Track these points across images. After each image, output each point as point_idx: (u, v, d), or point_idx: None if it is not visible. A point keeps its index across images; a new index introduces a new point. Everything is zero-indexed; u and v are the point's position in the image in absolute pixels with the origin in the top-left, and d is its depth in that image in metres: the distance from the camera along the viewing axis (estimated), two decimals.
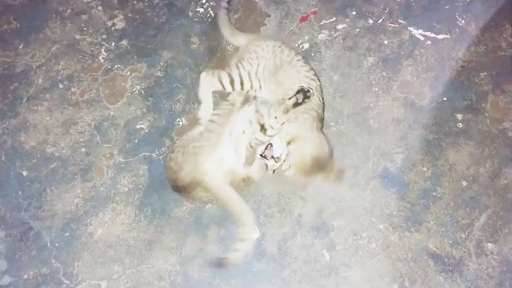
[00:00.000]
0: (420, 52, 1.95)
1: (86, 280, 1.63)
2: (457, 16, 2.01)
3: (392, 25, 1.99)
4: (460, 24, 1.99)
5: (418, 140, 1.80)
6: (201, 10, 2.10)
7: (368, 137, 1.79)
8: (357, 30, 1.97)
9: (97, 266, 1.64)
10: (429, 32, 1.98)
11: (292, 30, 2.01)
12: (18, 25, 2.01)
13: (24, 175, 1.78)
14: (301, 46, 1.99)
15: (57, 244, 1.68)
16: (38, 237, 1.68)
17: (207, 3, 2.11)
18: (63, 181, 1.76)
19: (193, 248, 1.65)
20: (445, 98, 1.86)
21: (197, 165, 1.52)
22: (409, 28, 1.99)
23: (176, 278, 1.62)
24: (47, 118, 1.89)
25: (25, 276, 1.63)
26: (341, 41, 1.95)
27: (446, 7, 2.03)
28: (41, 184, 1.77)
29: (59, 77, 1.94)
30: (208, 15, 2.08)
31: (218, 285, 1.60)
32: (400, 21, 1.99)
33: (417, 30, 1.99)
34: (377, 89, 1.89)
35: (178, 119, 1.86)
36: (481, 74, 1.90)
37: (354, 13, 2.00)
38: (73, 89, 1.94)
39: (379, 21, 1.99)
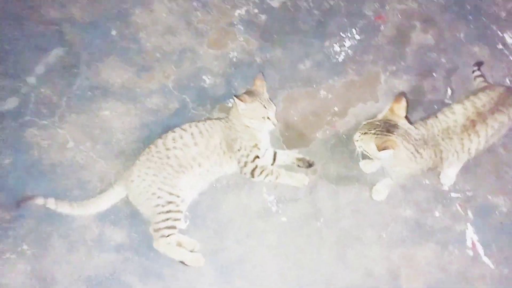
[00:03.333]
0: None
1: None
2: None
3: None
4: None
5: None
6: (337, 49, 2.34)
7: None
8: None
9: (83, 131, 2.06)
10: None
11: None
12: None
13: (113, 34, 2.28)
14: None
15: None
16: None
17: (346, 48, 2.34)
18: (130, 62, 2.22)
19: None
20: None
21: None
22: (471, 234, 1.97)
23: None
24: (163, 14, 2.36)
25: None
26: None
27: None
28: (111, 50, 2.23)
29: None
30: (337, 57, 2.31)
31: None
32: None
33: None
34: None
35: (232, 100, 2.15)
36: None
37: None
38: (197, 13, 2.37)
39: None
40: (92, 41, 2.29)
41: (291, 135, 2.14)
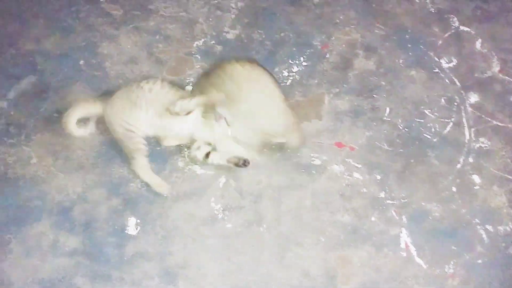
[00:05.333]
0: None
1: None
2: None
3: None
4: None
5: None
6: (286, 74, 2.62)
7: None
8: None
9: None
10: None
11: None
12: None
13: (81, 63, 2.54)
14: None
15: None
16: None
17: (294, 73, 2.60)
18: (95, 88, 2.47)
19: None
20: None
21: None
22: None
23: None
24: (128, 46, 2.65)
25: None
26: None
27: None
28: (78, 77, 2.49)
29: None
30: (286, 81, 2.59)
31: None
32: None
33: None
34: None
35: None
36: None
37: None
38: (159, 45, 2.65)
39: None
40: (61, 70, 2.55)
41: None
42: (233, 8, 2.91)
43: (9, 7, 2.76)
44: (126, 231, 2.08)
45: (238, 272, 2.01)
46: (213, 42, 2.75)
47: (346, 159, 2.34)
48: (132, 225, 2.10)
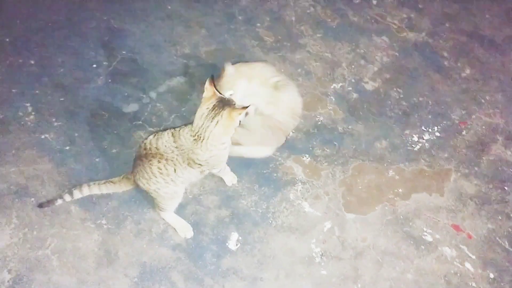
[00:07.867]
0: None
1: None
2: None
3: None
4: None
5: None
6: (415, 139, 2.52)
7: None
8: None
9: None
10: None
11: None
12: None
13: None
14: None
15: None
16: None
17: (424, 141, 2.51)
18: None
19: None
20: None
21: None
22: None
23: None
24: None
25: None
26: None
27: None
28: None
29: None
30: (414, 146, 2.48)
31: None
32: None
33: None
34: None
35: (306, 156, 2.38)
36: None
37: None
38: (299, 78, 2.71)
39: None
40: (208, 77, 2.73)
41: (352, 200, 2.29)
42: (377, 60, 2.91)
43: (178, 11, 3.03)
44: (227, 244, 2.13)
45: None
46: (350, 88, 2.75)
47: (461, 246, 2.18)
48: (233, 240, 2.14)
